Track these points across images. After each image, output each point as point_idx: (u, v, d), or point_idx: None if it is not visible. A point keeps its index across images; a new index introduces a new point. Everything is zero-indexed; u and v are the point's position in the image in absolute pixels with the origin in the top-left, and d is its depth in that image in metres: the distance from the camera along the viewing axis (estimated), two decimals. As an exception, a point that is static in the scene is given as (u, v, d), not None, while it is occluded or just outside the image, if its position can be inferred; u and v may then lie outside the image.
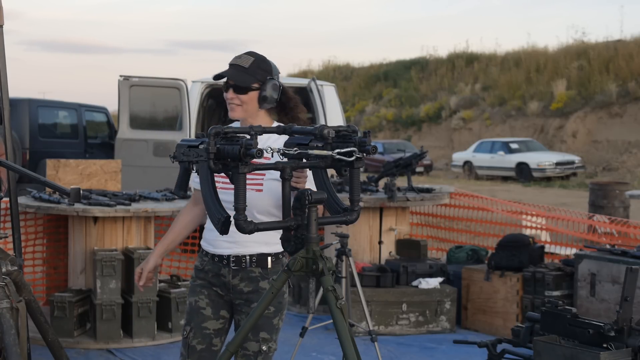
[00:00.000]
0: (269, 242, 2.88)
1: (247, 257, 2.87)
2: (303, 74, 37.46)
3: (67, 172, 6.50)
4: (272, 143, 2.86)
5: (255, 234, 2.70)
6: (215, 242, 2.90)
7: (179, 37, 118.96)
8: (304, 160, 2.41)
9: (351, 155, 2.33)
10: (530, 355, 2.85)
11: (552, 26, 65.97)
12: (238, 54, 2.95)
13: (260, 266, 2.88)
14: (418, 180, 20.80)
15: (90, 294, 5.52)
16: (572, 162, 23.24)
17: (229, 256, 2.89)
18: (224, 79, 2.91)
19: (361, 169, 2.43)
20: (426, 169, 26.11)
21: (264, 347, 2.85)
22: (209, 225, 2.94)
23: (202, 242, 2.99)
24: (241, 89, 2.89)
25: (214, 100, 10.67)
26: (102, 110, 13.31)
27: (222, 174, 2.38)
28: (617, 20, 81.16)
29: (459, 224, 7.75)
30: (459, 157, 26.01)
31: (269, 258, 2.88)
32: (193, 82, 9.78)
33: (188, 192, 2.67)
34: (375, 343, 4.63)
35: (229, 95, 2.91)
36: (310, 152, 2.34)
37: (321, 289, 4.64)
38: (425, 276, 6.05)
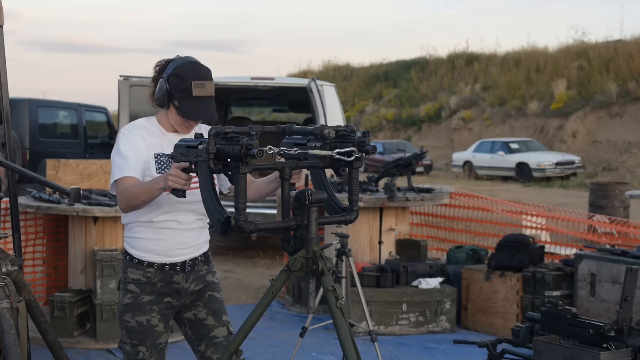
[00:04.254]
0: (207, 240, 3.01)
1: (198, 258, 2.95)
2: (303, 74, 37.47)
3: (67, 172, 6.50)
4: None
5: (203, 233, 2.93)
6: (168, 252, 2.87)
7: (179, 37, 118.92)
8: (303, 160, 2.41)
9: (350, 155, 2.33)
10: (530, 355, 2.85)
11: (552, 26, 65.95)
12: (199, 71, 2.82)
13: (206, 263, 2.99)
14: (418, 180, 20.80)
15: (90, 294, 5.52)
16: (572, 162, 23.23)
17: (184, 262, 2.90)
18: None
19: (361, 169, 2.43)
20: (426, 169, 26.11)
21: (231, 329, 2.96)
22: (151, 235, 2.86)
23: (140, 254, 2.87)
24: (208, 122, 2.96)
25: (214, 100, 10.65)
26: (102, 110, 13.32)
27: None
28: (617, 20, 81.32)
29: (459, 224, 7.74)
30: (459, 157, 26.00)
31: (209, 254, 3.02)
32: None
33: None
34: (375, 343, 4.63)
35: (194, 125, 2.90)
36: (311, 152, 2.34)
37: (321, 289, 4.64)
38: (425, 276, 6.05)
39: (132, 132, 2.86)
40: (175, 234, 2.86)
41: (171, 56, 2.92)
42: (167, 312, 2.92)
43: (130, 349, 2.89)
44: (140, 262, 2.87)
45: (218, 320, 2.94)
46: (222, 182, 2.96)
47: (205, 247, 2.99)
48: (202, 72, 2.82)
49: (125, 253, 2.92)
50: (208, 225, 2.92)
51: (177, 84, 2.79)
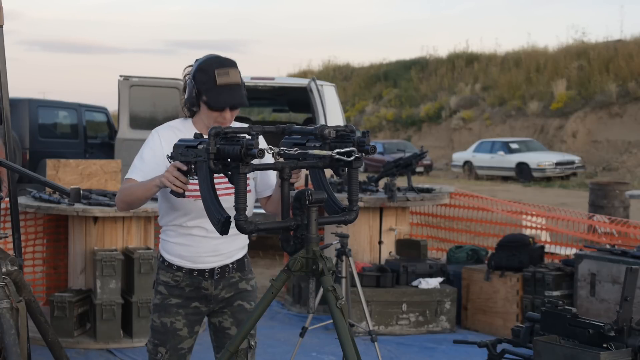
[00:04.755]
0: (245, 246, 2.95)
1: (230, 266, 2.89)
2: (303, 74, 37.47)
3: (67, 172, 6.50)
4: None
5: (236, 240, 2.84)
6: (196, 258, 2.83)
7: (179, 37, 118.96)
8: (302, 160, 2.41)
9: (350, 155, 2.33)
10: (530, 355, 2.85)
11: (552, 26, 66.01)
12: (220, 61, 2.78)
13: (240, 270, 2.92)
14: (418, 180, 20.80)
15: (90, 294, 5.52)
16: (572, 162, 23.24)
17: (213, 269, 2.86)
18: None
19: (360, 169, 2.43)
20: (426, 169, 26.11)
21: (252, 343, 2.90)
22: (180, 240, 2.84)
23: (170, 257, 2.86)
24: (236, 107, 2.81)
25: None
26: (102, 110, 13.31)
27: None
28: (617, 20, 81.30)
29: (459, 224, 7.74)
30: (459, 157, 26.00)
31: (245, 261, 2.95)
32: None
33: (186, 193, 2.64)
34: (375, 343, 4.63)
35: (228, 116, 2.79)
36: (311, 152, 2.33)
37: (321, 289, 4.64)
38: (425, 276, 6.05)
39: (160, 133, 2.84)
40: (203, 241, 2.82)
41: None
42: (194, 317, 2.88)
43: (151, 347, 2.89)
44: (170, 265, 2.86)
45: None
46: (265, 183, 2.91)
47: (239, 254, 2.92)
48: (224, 62, 2.78)
49: (159, 255, 2.92)
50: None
51: (202, 78, 2.76)
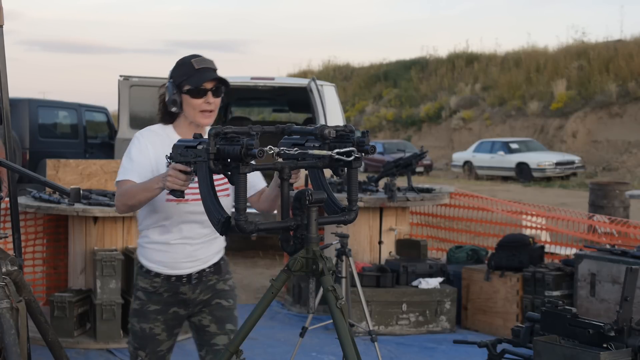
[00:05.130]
0: (221, 250, 2.99)
1: (207, 270, 2.94)
2: (303, 74, 37.47)
3: (67, 172, 6.50)
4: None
5: (213, 244, 2.90)
6: (173, 264, 2.87)
7: (179, 37, 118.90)
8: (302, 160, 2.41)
9: (350, 155, 2.32)
10: (530, 355, 2.85)
11: (552, 26, 66.00)
12: (198, 55, 2.85)
13: (217, 273, 2.97)
14: (418, 180, 20.79)
15: (90, 294, 5.52)
16: (572, 162, 23.24)
17: (190, 274, 2.90)
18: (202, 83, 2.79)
19: (360, 169, 2.42)
20: (426, 169, 26.11)
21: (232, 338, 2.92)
22: (158, 246, 2.87)
23: (148, 264, 2.89)
24: (219, 92, 2.84)
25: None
26: (102, 110, 13.32)
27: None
28: (617, 20, 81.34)
29: (459, 224, 7.74)
30: (459, 157, 26.00)
31: (222, 263, 2.99)
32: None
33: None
34: (375, 343, 4.63)
35: (211, 99, 2.82)
36: (310, 152, 2.33)
37: (321, 289, 4.64)
38: (425, 276, 6.05)
39: (144, 136, 2.87)
40: (180, 246, 2.87)
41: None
42: (173, 322, 2.94)
43: (132, 350, 2.96)
44: (149, 271, 2.90)
45: (221, 328, 2.94)
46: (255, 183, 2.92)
47: (215, 259, 2.96)
48: (201, 55, 2.86)
49: (137, 261, 2.96)
50: (219, 236, 2.92)
51: (180, 70, 2.82)
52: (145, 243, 2.90)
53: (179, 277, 2.88)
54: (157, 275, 2.89)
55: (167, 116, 2.90)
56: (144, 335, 2.90)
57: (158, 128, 2.91)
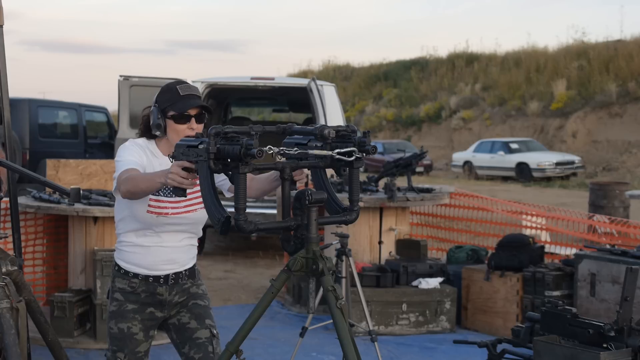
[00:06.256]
0: (195, 256, 3.10)
1: (183, 273, 3.02)
2: (303, 74, 37.48)
3: (67, 172, 6.50)
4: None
5: (190, 251, 3.01)
6: (152, 266, 2.95)
7: (179, 37, 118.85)
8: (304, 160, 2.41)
9: (351, 155, 2.33)
10: (530, 355, 2.85)
11: (552, 26, 65.92)
12: (183, 82, 2.98)
13: (191, 277, 3.06)
14: (418, 180, 20.79)
15: (90, 294, 5.52)
16: (572, 162, 23.25)
17: (167, 275, 2.98)
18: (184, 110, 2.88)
19: (361, 169, 2.43)
20: (426, 169, 26.12)
21: (214, 331, 3.03)
22: (137, 250, 2.95)
23: (126, 265, 2.98)
24: (202, 119, 2.93)
25: (214, 100, 10.68)
26: (102, 110, 13.32)
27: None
28: (617, 20, 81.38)
29: (459, 224, 7.75)
30: (459, 157, 26.01)
31: (196, 269, 3.10)
32: (193, 82, 9.77)
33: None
34: (375, 343, 4.63)
35: (194, 125, 2.91)
36: (311, 152, 2.34)
37: (321, 289, 4.64)
38: (425, 276, 6.05)
39: (131, 145, 2.96)
40: (159, 250, 2.95)
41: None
42: (149, 322, 3.00)
43: (110, 355, 3.00)
44: (127, 272, 2.97)
45: (201, 323, 3.02)
46: (222, 183, 2.97)
47: (191, 263, 3.06)
48: (186, 82, 2.98)
49: (114, 264, 3.03)
50: (197, 244, 3.07)
51: (165, 96, 2.92)
52: (123, 246, 2.99)
53: (156, 278, 2.96)
54: (135, 275, 2.96)
55: (148, 133, 2.99)
56: (122, 335, 2.96)
57: (142, 142, 3.00)
